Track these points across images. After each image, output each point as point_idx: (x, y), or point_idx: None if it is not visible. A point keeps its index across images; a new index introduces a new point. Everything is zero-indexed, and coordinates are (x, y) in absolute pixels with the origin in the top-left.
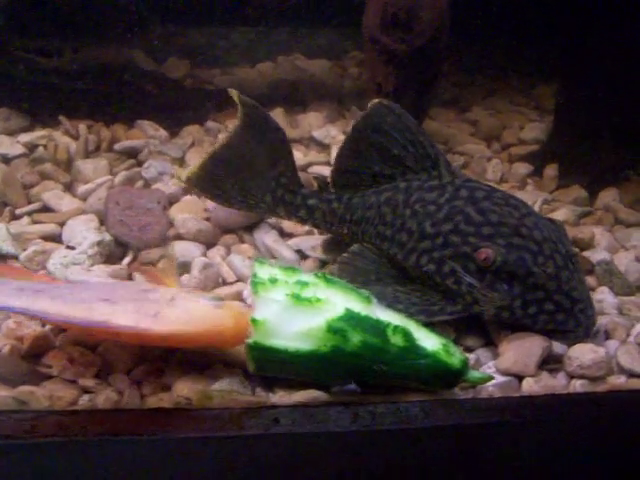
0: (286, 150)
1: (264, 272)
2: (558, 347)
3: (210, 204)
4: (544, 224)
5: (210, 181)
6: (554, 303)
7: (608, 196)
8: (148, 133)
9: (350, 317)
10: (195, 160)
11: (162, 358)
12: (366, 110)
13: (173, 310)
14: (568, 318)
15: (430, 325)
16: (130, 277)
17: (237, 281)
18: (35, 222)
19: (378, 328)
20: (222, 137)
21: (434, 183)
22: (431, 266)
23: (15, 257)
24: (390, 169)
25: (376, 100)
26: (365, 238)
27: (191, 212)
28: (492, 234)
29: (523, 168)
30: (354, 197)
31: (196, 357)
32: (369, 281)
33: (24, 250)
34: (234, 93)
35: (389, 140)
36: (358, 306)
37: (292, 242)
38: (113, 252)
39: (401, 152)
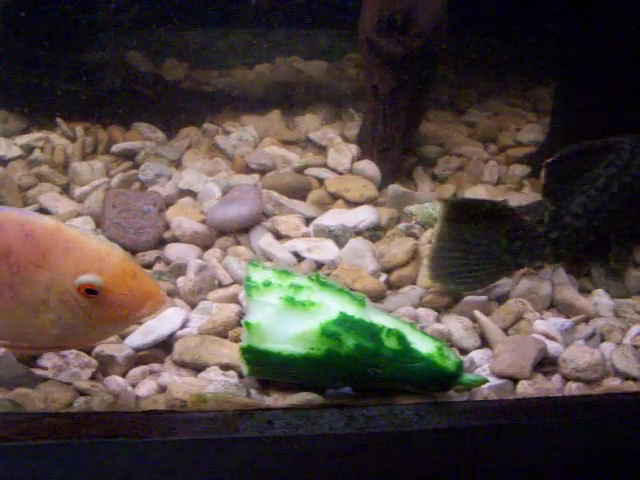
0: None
1: (258, 275)
2: (553, 349)
3: (206, 207)
4: None
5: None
6: None
7: None
8: (145, 135)
9: (344, 320)
10: None
11: (157, 360)
12: None
13: None
14: None
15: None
16: None
17: (233, 283)
18: None
19: (372, 331)
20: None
21: None
22: None
23: None
24: None
25: None
26: None
27: (187, 214)
28: None
29: (520, 170)
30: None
31: (191, 359)
32: None
33: None
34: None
35: None
36: (352, 309)
37: (288, 244)
38: None
39: None
